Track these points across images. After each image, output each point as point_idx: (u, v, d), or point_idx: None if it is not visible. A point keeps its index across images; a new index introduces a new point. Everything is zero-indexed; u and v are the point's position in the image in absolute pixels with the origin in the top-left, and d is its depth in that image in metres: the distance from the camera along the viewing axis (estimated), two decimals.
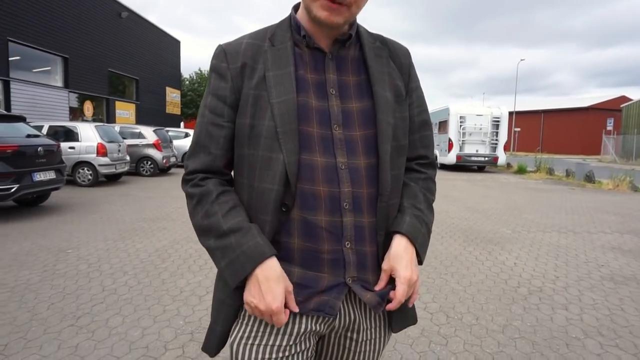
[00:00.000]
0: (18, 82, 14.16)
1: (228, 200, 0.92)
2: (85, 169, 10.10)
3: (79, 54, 17.24)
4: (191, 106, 35.71)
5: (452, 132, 16.72)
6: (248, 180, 0.93)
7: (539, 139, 46.83)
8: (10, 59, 13.81)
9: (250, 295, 0.87)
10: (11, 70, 13.88)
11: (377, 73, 0.97)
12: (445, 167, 17.46)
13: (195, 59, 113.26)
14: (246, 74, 0.93)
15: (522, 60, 48.82)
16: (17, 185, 6.13)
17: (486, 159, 16.97)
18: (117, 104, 20.39)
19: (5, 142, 6.13)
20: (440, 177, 12.52)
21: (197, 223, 0.93)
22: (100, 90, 18.97)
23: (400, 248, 0.94)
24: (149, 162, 12.76)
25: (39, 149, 6.66)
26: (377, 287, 0.95)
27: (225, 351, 1.00)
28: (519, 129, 41.31)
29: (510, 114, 21.37)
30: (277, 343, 0.91)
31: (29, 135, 6.77)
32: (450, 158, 16.79)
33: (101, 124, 11.49)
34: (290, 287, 0.89)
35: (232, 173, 1.00)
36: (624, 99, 42.30)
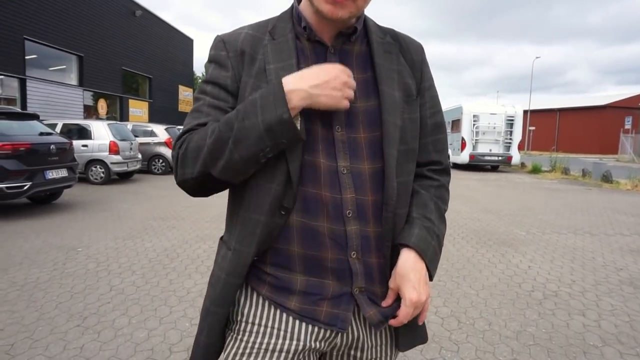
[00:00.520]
0: (34, 80, 14.36)
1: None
2: (98, 166, 10.19)
3: (93, 53, 17.45)
4: None
5: (465, 131, 16.54)
6: None
7: (554, 137, 46.09)
8: (26, 57, 14.00)
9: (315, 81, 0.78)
10: (27, 69, 14.08)
11: (385, 70, 0.89)
12: (458, 166, 17.27)
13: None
14: (246, 61, 0.87)
15: (537, 57, 47.73)
16: (30, 183, 6.19)
17: (500, 158, 16.75)
18: (131, 102, 20.59)
19: (19, 140, 6.20)
20: (453, 176, 12.35)
21: (209, 142, 0.80)
22: (114, 89, 19.18)
23: (407, 264, 0.86)
24: (161, 161, 12.84)
25: (52, 146, 6.72)
26: (384, 304, 0.89)
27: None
28: (533, 128, 40.70)
29: (525, 112, 21.01)
30: None
31: (41, 133, 6.85)
32: (463, 157, 16.61)
33: (114, 122, 11.57)
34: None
35: None
36: None
